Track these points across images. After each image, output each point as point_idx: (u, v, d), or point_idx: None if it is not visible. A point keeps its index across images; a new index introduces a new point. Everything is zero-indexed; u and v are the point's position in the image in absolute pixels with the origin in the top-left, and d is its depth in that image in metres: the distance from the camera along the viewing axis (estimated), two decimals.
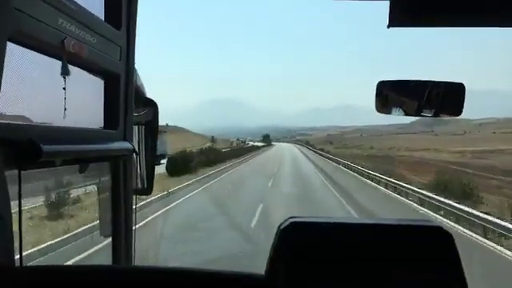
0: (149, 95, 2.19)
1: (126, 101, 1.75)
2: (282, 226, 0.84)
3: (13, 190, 1.06)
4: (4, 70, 1.03)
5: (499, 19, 1.45)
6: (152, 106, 2.15)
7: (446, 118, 1.91)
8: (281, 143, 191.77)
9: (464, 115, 1.80)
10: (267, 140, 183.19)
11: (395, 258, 0.82)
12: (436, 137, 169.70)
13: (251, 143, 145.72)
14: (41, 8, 1.13)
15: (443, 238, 0.82)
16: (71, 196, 14.32)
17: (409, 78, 1.98)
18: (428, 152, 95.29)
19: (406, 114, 1.91)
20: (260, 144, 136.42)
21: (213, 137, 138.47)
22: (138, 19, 1.80)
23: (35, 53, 1.21)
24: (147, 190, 2.15)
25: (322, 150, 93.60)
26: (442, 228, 0.83)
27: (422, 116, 1.89)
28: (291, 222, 0.84)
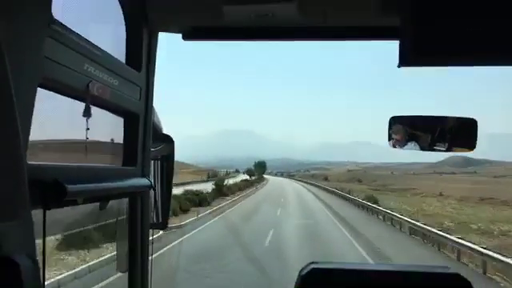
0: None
1: (145, 138, 1.81)
2: (303, 272, 0.82)
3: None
4: (33, 114, 1.08)
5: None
6: (168, 141, 2.20)
7: (460, 152, 1.91)
8: (283, 179, 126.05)
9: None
10: (260, 171, 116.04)
11: None
12: (496, 180, 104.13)
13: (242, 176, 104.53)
14: (69, 55, 1.20)
15: (461, 284, 0.82)
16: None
17: (422, 113, 1.99)
18: None
19: (420, 148, 1.92)
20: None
21: None
22: (157, 60, 1.89)
23: (62, 96, 1.27)
24: (162, 225, 2.16)
25: None
26: (459, 275, 0.83)
27: (436, 150, 1.90)
28: (312, 268, 0.82)
